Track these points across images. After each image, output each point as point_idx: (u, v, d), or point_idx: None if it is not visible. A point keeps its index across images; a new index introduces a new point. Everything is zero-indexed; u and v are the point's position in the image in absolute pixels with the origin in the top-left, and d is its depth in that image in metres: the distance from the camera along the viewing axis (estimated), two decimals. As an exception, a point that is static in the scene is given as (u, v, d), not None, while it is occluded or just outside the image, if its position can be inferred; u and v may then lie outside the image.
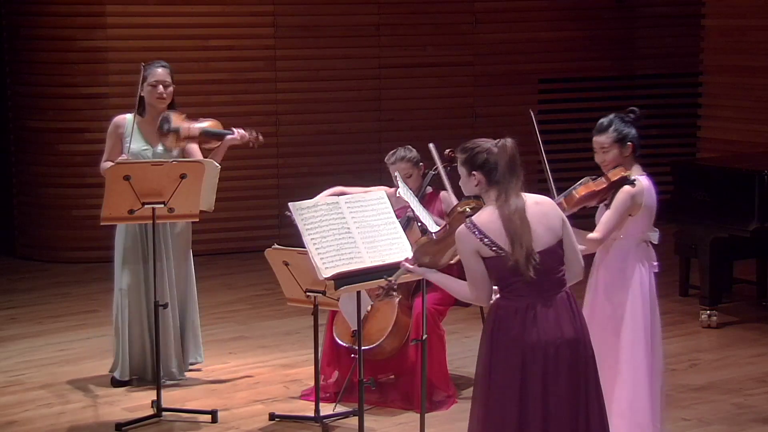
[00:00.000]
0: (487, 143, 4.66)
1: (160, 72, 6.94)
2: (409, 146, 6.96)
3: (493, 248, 4.57)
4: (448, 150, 7.06)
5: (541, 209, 4.65)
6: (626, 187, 5.60)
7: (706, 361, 7.62)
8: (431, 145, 6.31)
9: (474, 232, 4.58)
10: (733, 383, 7.15)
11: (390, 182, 6.84)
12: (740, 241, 8.48)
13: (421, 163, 6.93)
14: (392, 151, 6.93)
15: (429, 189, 7.00)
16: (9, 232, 10.87)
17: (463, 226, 4.63)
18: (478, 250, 4.60)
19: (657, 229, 5.77)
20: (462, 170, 4.72)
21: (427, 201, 6.83)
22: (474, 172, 4.66)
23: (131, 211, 6.45)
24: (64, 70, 10.35)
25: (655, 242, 5.74)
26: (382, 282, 5.27)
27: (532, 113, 6.27)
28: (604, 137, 5.68)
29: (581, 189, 5.63)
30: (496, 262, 4.60)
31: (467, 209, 4.78)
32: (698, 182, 8.28)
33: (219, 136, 6.92)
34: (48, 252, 10.56)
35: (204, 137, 6.92)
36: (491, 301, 4.70)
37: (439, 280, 4.88)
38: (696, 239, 8.29)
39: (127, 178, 6.34)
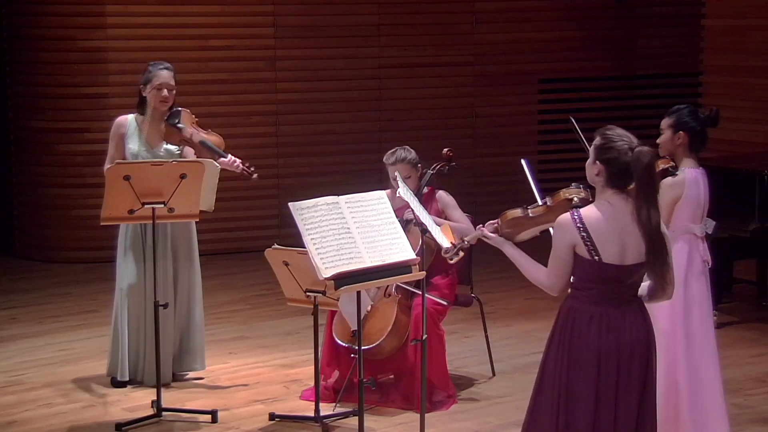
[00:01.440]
0: (623, 143, 4.49)
1: (166, 75, 6.98)
2: (407, 147, 6.95)
3: (591, 250, 4.48)
4: (446, 149, 7.06)
5: None
6: (666, 178, 5.64)
7: (706, 361, 7.61)
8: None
9: (578, 227, 4.48)
10: (733, 383, 7.14)
11: (389, 181, 6.84)
12: (740, 241, 8.48)
13: (419, 164, 6.93)
14: (391, 151, 6.92)
15: (426, 189, 7.00)
16: (9, 232, 10.87)
17: (568, 215, 4.52)
18: (575, 245, 4.50)
19: (707, 223, 5.78)
20: (591, 153, 4.60)
21: (424, 201, 6.83)
22: (598, 162, 4.54)
23: (131, 211, 6.45)
24: (64, 70, 10.35)
25: (699, 234, 5.75)
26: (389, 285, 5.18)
27: (572, 120, 6.18)
28: (664, 119, 5.76)
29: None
30: (587, 264, 4.51)
31: (575, 198, 4.69)
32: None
33: (214, 153, 6.93)
34: (48, 252, 10.56)
35: (201, 146, 6.96)
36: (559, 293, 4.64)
37: (514, 256, 4.76)
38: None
39: (127, 178, 6.34)
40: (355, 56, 11.06)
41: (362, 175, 10.47)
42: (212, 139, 7.00)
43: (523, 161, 5.29)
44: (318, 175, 10.86)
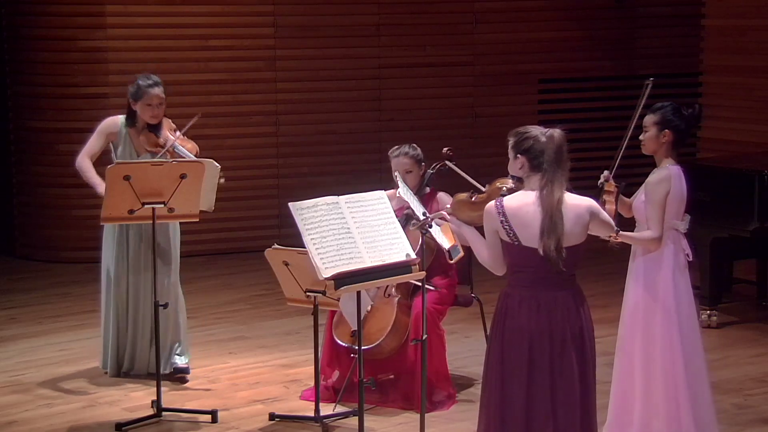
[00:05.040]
0: (536, 131, 4.86)
1: (156, 92, 7.07)
2: (414, 144, 7.00)
3: (510, 235, 4.75)
4: (446, 149, 7.07)
5: (576, 211, 4.78)
6: (652, 176, 5.66)
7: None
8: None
9: (498, 212, 4.76)
10: (733, 383, 7.15)
11: (389, 181, 6.84)
12: (740, 241, 8.48)
13: (423, 163, 6.95)
14: (396, 146, 6.98)
15: (427, 189, 7.00)
16: (9, 232, 10.87)
17: (493, 203, 4.82)
18: (497, 231, 4.79)
19: (686, 219, 5.81)
20: (510, 153, 4.91)
21: (425, 201, 6.83)
22: (519, 156, 4.85)
23: (131, 211, 6.46)
24: (64, 70, 10.35)
25: (683, 230, 5.77)
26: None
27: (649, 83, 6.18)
28: (648, 116, 5.78)
29: (608, 211, 5.66)
30: (510, 248, 4.78)
31: (504, 188, 4.99)
32: (698, 182, 8.26)
33: (182, 158, 7.01)
34: (48, 252, 10.56)
35: (173, 151, 7.05)
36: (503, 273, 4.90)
37: (470, 237, 5.05)
38: (696, 239, 8.27)
39: (127, 178, 6.36)
40: (355, 56, 11.06)
41: (362, 175, 10.48)
42: (186, 146, 7.11)
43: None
44: (318, 175, 10.86)
